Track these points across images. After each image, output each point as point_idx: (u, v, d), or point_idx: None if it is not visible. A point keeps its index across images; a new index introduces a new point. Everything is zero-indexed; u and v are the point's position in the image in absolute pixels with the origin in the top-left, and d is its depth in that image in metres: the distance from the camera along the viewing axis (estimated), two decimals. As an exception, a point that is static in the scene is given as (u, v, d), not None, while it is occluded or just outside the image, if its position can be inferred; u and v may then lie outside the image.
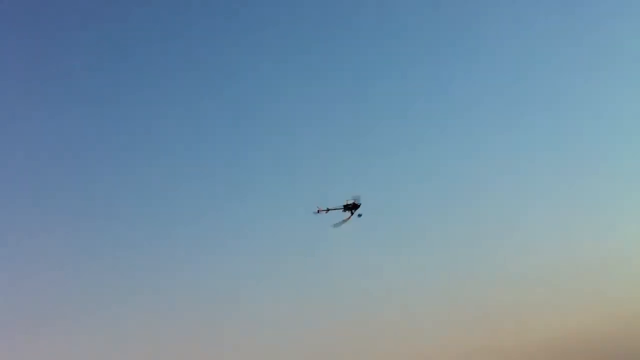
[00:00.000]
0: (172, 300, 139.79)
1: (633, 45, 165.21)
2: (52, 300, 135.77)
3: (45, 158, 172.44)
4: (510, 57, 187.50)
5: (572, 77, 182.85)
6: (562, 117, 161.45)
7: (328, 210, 46.23)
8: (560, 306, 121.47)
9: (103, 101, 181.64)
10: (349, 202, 45.68)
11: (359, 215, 46.32)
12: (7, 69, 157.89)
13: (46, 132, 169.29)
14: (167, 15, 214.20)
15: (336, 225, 46.32)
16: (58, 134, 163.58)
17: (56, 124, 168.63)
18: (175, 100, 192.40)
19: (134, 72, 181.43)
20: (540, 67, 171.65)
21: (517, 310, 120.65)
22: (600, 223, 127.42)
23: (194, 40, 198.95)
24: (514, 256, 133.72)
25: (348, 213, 45.79)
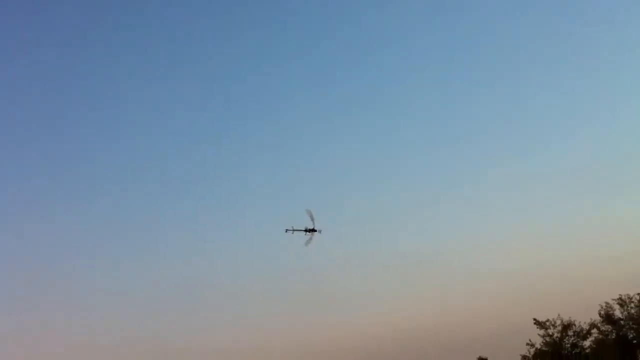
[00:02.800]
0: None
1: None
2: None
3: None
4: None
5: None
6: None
7: (294, 231, 56.63)
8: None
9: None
10: (308, 228, 56.31)
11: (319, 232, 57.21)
12: None
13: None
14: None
15: (306, 243, 56.57)
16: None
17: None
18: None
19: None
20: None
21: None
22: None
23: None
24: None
25: (309, 234, 56.51)
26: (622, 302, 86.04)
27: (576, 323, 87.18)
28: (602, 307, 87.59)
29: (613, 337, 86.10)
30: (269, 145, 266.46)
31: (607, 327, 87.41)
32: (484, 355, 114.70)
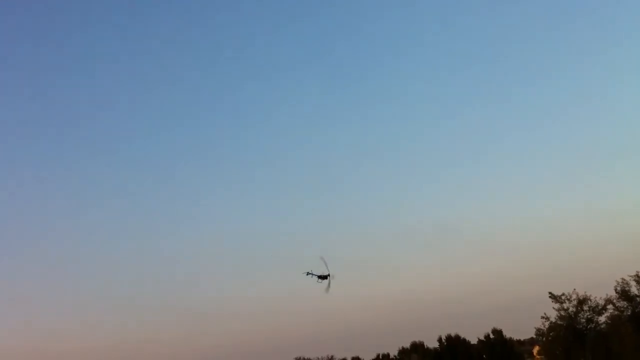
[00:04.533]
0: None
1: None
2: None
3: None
4: None
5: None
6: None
7: (310, 274, 56.56)
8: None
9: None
10: (322, 274, 55.97)
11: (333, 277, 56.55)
12: None
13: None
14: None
15: (326, 290, 56.12)
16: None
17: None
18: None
19: None
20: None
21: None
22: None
23: None
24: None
25: (325, 280, 56.11)
26: (638, 279, 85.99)
27: (592, 298, 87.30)
28: (618, 283, 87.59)
29: (629, 313, 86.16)
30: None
31: (622, 304, 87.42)
32: (498, 327, 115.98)
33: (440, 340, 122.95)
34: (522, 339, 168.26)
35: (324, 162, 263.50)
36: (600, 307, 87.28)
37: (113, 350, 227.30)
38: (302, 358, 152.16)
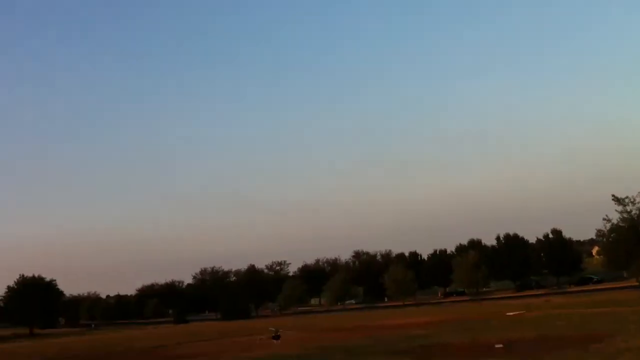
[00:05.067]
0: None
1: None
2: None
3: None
4: None
5: None
6: None
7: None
8: None
9: None
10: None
11: None
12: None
13: None
14: None
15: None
16: None
17: None
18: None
19: None
20: None
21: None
22: None
23: None
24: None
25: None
26: None
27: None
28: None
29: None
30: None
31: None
32: (559, 227, 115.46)
33: (498, 238, 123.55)
34: (581, 239, 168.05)
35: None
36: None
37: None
38: (360, 252, 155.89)
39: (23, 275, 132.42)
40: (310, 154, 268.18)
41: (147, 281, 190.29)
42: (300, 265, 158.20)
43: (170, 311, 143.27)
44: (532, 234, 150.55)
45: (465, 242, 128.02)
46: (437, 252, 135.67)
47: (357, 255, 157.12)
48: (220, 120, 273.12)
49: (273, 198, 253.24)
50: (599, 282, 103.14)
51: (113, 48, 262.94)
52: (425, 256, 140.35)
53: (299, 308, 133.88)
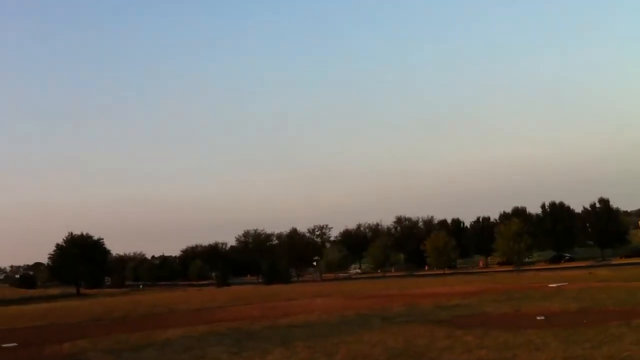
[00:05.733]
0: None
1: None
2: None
3: None
4: None
5: None
6: None
7: None
8: None
9: None
10: None
11: None
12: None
13: None
14: None
15: None
16: None
17: None
18: None
19: None
20: None
21: None
22: None
23: None
24: None
25: None
26: None
27: None
28: None
29: None
30: None
31: None
32: (606, 196, 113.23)
33: (543, 206, 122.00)
34: (629, 210, 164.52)
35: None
36: None
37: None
38: (402, 217, 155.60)
39: (71, 234, 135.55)
40: (355, 118, 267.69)
41: (191, 243, 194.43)
42: (341, 230, 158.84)
43: (213, 273, 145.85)
44: (579, 203, 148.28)
45: (509, 210, 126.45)
46: (480, 220, 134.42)
47: (399, 221, 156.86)
48: (265, 82, 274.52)
49: (317, 162, 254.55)
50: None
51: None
52: (468, 223, 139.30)
53: (340, 274, 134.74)
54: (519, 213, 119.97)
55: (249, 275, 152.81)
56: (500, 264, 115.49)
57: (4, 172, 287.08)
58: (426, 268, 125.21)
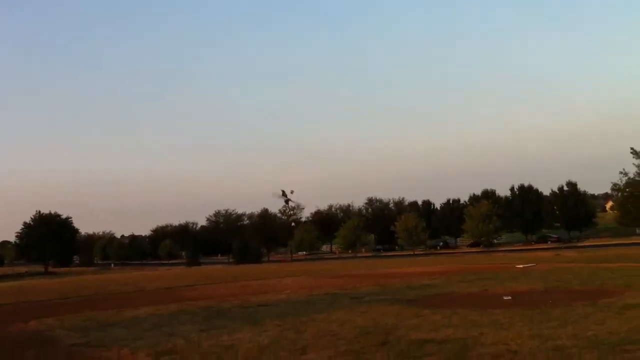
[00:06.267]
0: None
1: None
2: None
3: None
4: None
5: None
6: None
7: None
8: None
9: None
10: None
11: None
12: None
13: None
14: None
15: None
16: None
17: None
18: None
19: None
20: None
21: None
22: None
23: None
24: None
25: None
26: None
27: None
28: None
29: None
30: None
31: None
32: (573, 180, 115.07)
33: (512, 189, 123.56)
34: (596, 193, 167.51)
35: None
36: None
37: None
38: (374, 198, 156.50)
39: (39, 212, 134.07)
40: (328, 95, 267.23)
41: (161, 222, 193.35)
42: (313, 211, 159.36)
43: (184, 253, 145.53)
44: (547, 187, 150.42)
45: (479, 192, 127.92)
46: (450, 202, 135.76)
47: (370, 202, 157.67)
48: (236, 59, 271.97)
49: (288, 141, 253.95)
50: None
51: None
52: (438, 205, 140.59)
53: (310, 254, 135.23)
54: (489, 195, 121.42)
55: (219, 255, 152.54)
56: (470, 245, 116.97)
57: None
58: (397, 248, 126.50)
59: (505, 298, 20.54)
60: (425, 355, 11.07)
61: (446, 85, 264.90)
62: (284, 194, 60.65)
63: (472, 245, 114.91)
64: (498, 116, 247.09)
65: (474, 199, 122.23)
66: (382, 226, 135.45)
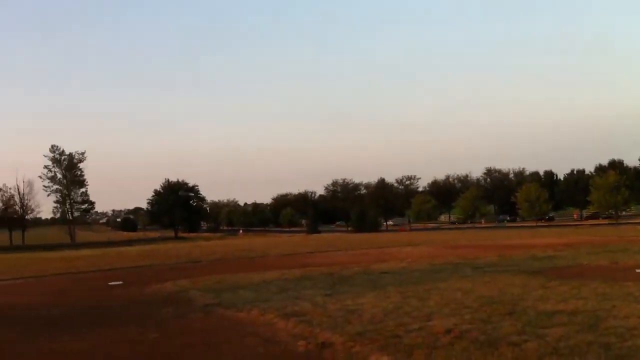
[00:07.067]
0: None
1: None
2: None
3: None
4: None
5: None
6: None
7: None
8: None
9: None
10: None
11: None
12: None
13: None
14: None
15: None
16: None
17: None
18: None
19: None
20: None
21: None
22: None
23: None
24: None
25: None
26: None
27: None
28: None
29: None
30: None
31: None
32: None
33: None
34: None
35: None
36: None
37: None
38: (492, 169, 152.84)
39: (168, 180, 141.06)
40: (438, 68, 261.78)
41: (282, 191, 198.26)
42: (430, 181, 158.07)
43: (303, 221, 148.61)
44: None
45: (605, 162, 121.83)
46: (575, 172, 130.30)
47: (489, 172, 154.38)
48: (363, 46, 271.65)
49: (405, 112, 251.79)
50: None
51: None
52: (561, 176, 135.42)
53: (428, 224, 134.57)
54: (616, 165, 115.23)
55: (337, 223, 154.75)
56: (590, 217, 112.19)
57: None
58: (517, 219, 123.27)
59: (637, 271, 19.72)
60: (554, 325, 10.91)
61: (576, 50, 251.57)
62: None
63: (589, 218, 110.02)
64: (628, 83, 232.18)
65: (600, 169, 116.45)
66: (501, 197, 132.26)
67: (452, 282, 18.67)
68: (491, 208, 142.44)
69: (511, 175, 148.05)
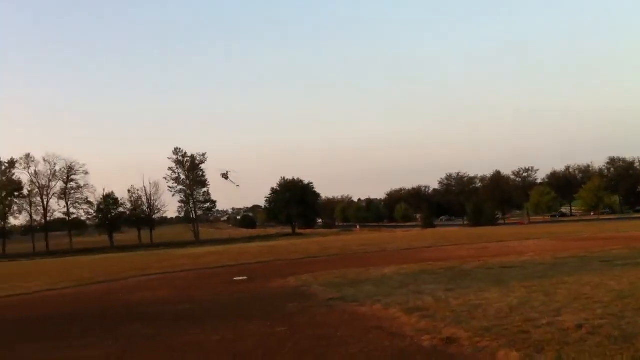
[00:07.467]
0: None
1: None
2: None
3: None
4: None
5: None
6: None
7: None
8: None
9: None
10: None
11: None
12: None
13: None
14: None
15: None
16: None
17: None
18: None
19: None
20: None
21: None
22: None
23: None
24: None
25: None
26: None
27: None
28: None
29: None
30: None
31: None
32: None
33: None
34: None
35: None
36: None
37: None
38: (616, 158, 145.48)
39: (284, 178, 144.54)
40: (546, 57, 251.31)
41: (395, 186, 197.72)
42: (548, 172, 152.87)
43: (418, 215, 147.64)
44: None
45: None
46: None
47: (612, 161, 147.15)
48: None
49: (519, 103, 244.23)
50: None
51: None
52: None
53: (549, 217, 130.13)
54: None
55: (452, 218, 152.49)
56: None
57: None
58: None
59: None
60: (694, 320, 10.39)
61: None
62: (224, 175, 64.16)
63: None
64: None
65: None
66: (627, 187, 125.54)
67: (580, 276, 18.04)
68: (616, 199, 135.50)
69: (637, 165, 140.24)
